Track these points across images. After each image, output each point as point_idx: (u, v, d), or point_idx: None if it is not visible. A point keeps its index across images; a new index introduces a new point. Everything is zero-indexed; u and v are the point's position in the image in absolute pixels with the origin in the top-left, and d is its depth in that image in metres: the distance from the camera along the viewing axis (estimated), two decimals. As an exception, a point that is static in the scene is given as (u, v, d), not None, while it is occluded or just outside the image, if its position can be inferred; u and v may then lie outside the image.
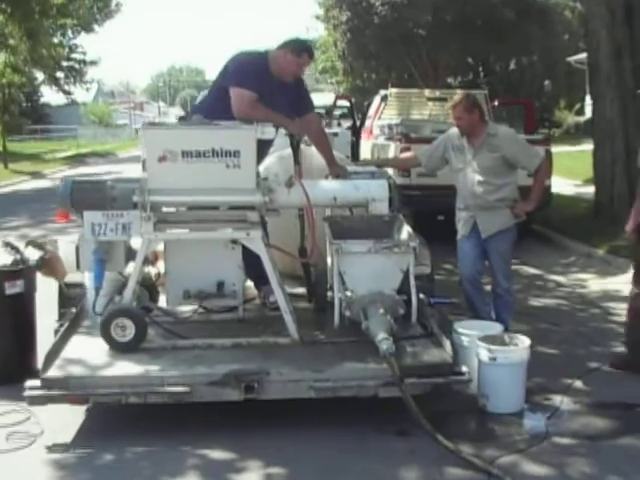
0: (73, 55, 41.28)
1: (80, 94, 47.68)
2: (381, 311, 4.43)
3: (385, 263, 4.59)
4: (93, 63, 42.24)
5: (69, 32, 37.58)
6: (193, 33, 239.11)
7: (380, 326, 4.31)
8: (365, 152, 11.74)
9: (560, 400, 4.67)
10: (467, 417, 4.45)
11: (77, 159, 33.48)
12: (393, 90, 12.01)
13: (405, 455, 3.99)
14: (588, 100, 18.75)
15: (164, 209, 4.65)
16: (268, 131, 4.43)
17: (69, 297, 5.30)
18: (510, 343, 4.66)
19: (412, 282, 4.63)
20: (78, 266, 4.65)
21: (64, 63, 39.46)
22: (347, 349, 4.49)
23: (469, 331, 4.82)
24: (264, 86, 4.92)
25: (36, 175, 25.28)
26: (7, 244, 5.23)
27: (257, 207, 4.56)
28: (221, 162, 4.43)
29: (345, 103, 13.77)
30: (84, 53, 41.66)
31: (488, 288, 5.72)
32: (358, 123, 12.57)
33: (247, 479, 3.80)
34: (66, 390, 4.14)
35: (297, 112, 5.23)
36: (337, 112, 15.75)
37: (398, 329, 4.52)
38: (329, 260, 4.80)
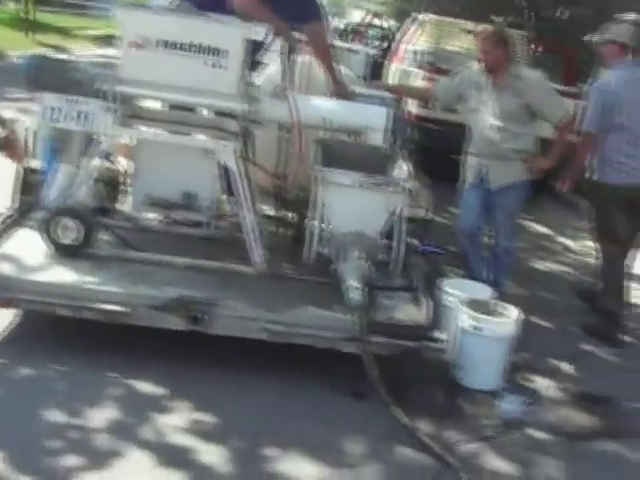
0: None
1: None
2: (357, 254, 3.90)
3: (372, 201, 4.04)
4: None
5: None
6: None
7: (353, 272, 3.78)
8: (391, 76, 11.04)
9: (544, 385, 4.17)
10: (434, 388, 3.95)
11: (107, 40, 32.45)
12: (430, 16, 11.18)
13: (354, 422, 3.52)
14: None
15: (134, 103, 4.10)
16: (258, 31, 3.81)
17: (30, 184, 4.79)
18: (498, 312, 4.13)
19: (400, 227, 4.09)
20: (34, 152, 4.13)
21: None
22: (314, 290, 3.98)
23: (455, 291, 4.29)
24: None
25: (59, 49, 24.44)
26: None
27: (238, 116, 3.99)
28: (200, 59, 3.83)
29: (380, 23, 13.00)
30: None
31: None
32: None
33: (167, 420, 3.34)
34: (-9, 291, 3.68)
35: (301, 19, 4.62)
36: (372, 31, 15.05)
37: (376, 277, 4.02)
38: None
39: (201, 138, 4.03)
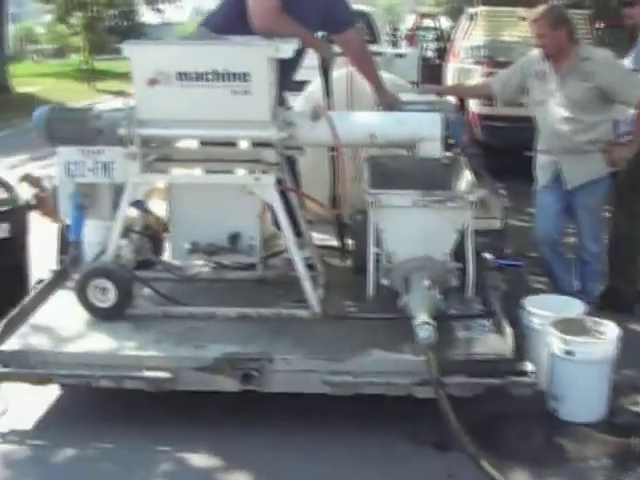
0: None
1: (175, 14, 47.00)
2: (425, 283, 3.44)
3: (434, 221, 3.56)
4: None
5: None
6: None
7: (422, 304, 3.31)
8: (450, 77, 10.54)
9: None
10: (528, 426, 3.43)
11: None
12: (482, 8, 10.61)
13: (435, 477, 3.05)
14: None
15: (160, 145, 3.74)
16: (285, 48, 3.39)
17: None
18: (593, 331, 3.60)
19: (469, 246, 3.61)
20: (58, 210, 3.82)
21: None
22: (379, 330, 3.54)
23: (541, 310, 3.77)
24: None
25: (120, 94, 24.73)
26: None
27: (273, 144, 3.59)
28: (225, 87, 3.43)
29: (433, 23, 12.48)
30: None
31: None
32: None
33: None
34: (26, 367, 3.35)
35: (333, 28, 4.20)
36: (425, 33, 14.53)
37: (449, 305, 3.57)
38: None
39: (233, 175, 3.63)
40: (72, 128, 3.63)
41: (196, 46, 3.48)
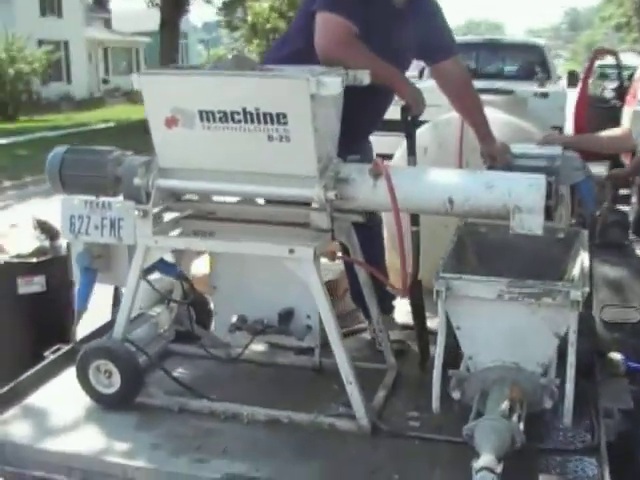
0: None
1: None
2: (503, 406, 2.52)
3: (527, 320, 2.63)
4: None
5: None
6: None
7: (490, 438, 2.40)
8: (626, 121, 9.25)
9: None
10: None
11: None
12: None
13: None
14: None
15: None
16: (330, 83, 2.59)
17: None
18: None
19: (571, 358, 2.63)
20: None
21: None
22: (441, 456, 2.65)
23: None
24: (373, 12, 3.11)
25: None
26: (40, 224, 3.95)
27: (322, 206, 2.81)
28: (259, 131, 2.70)
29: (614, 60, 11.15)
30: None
31: None
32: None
33: None
34: (-1, 461, 2.76)
35: (427, 55, 3.38)
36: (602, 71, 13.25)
37: (542, 429, 2.64)
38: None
39: (263, 243, 2.86)
40: (87, 174, 3.02)
41: (218, 77, 2.74)
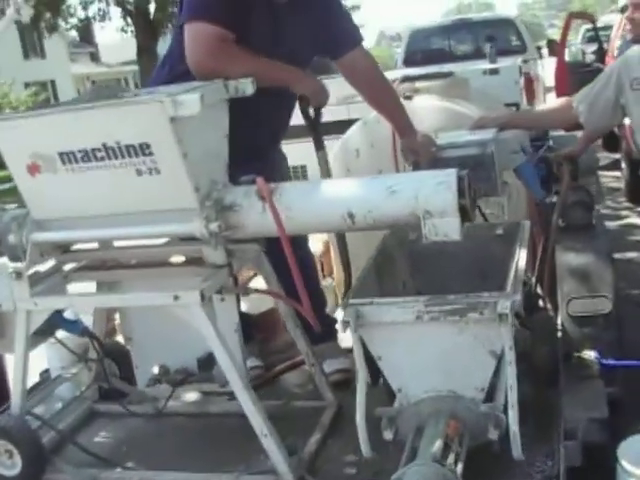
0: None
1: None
2: (434, 449, 2.16)
3: (455, 341, 2.28)
4: (355, 8, 40.77)
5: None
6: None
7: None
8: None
9: None
10: None
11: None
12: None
13: None
14: None
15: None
16: (189, 101, 2.25)
17: None
18: None
19: (510, 380, 2.25)
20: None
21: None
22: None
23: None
24: (252, 13, 2.77)
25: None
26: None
27: (207, 240, 2.46)
28: (126, 166, 2.37)
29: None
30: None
31: None
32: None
33: None
34: None
35: (329, 50, 3.04)
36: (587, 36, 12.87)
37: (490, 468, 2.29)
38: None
39: (144, 293, 2.53)
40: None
41: (72, 113, 2.41)
